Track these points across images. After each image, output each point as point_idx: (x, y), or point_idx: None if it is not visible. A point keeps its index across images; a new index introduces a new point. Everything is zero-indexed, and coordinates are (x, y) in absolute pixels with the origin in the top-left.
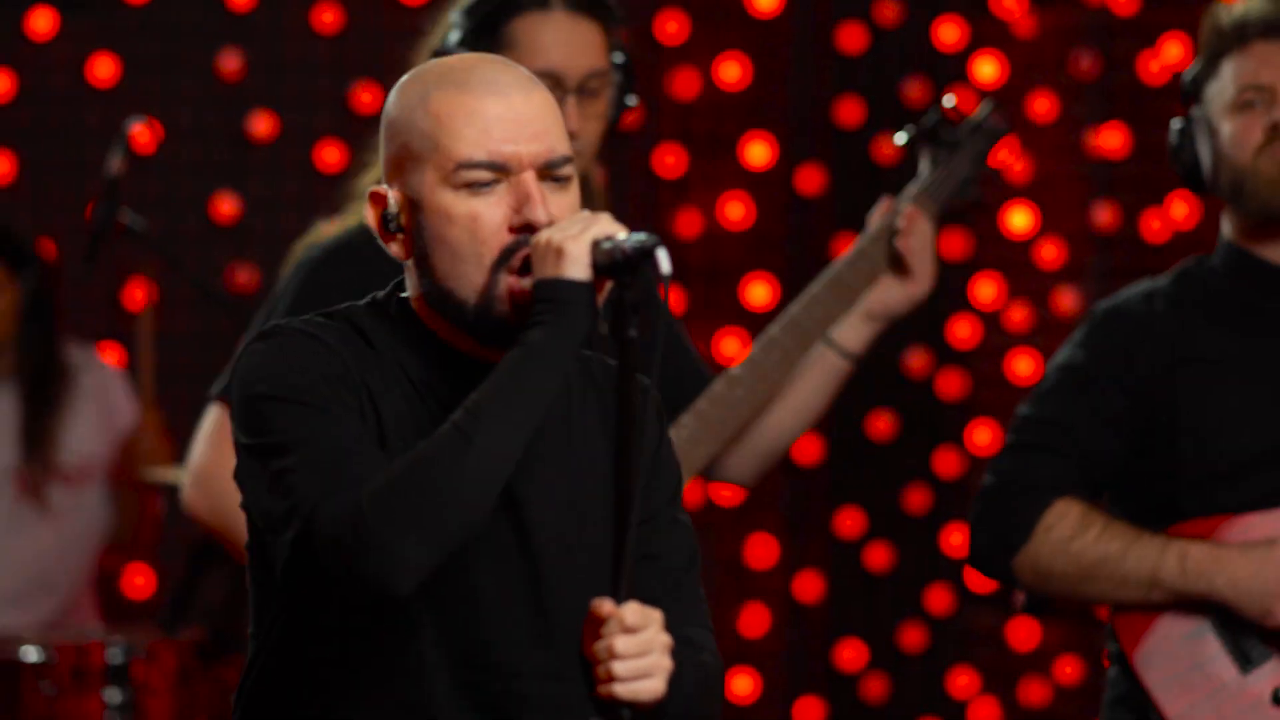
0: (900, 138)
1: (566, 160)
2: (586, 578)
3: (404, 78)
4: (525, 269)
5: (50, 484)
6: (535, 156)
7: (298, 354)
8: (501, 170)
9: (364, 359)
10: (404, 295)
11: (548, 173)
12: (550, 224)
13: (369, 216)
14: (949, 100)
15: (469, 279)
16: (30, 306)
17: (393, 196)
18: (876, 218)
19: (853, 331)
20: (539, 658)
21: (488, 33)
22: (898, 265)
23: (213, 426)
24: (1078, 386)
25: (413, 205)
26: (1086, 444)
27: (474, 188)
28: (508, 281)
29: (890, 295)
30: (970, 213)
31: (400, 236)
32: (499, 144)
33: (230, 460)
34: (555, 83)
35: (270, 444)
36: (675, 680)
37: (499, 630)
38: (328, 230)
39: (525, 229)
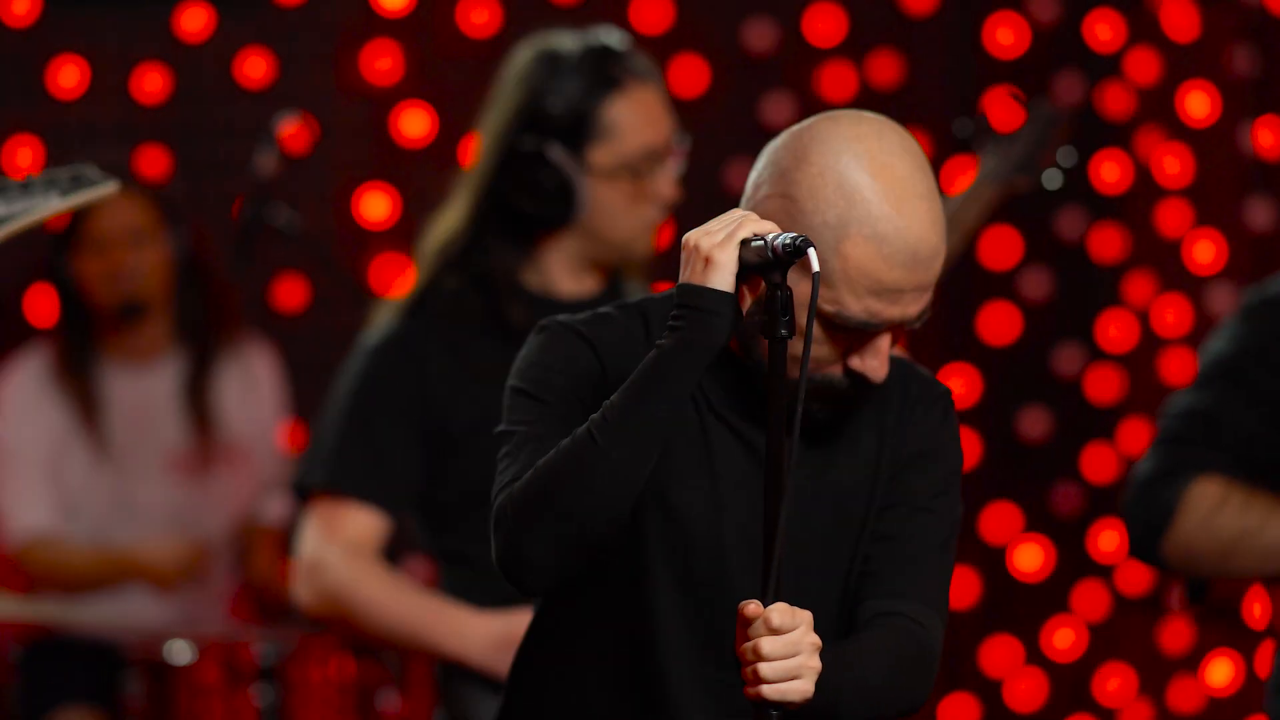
0: (961, 129)
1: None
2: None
3: (828, 145)
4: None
5: (210, 461)
6: (907, 318)
7: (554, 350)
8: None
9: (636, 356)
10: None
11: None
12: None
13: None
14: (1008, 98)
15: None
16: (185, 270)
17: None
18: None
19: None
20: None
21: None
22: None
23: (312, 519)
24: (1228, 376)
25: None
26: (1237, 431)
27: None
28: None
29: None
30: (1031, 192)
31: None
32: (883, 308)
33: (331, 548)
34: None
35: (504, 431)
36: (866, 658)
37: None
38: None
39: (857, 373)
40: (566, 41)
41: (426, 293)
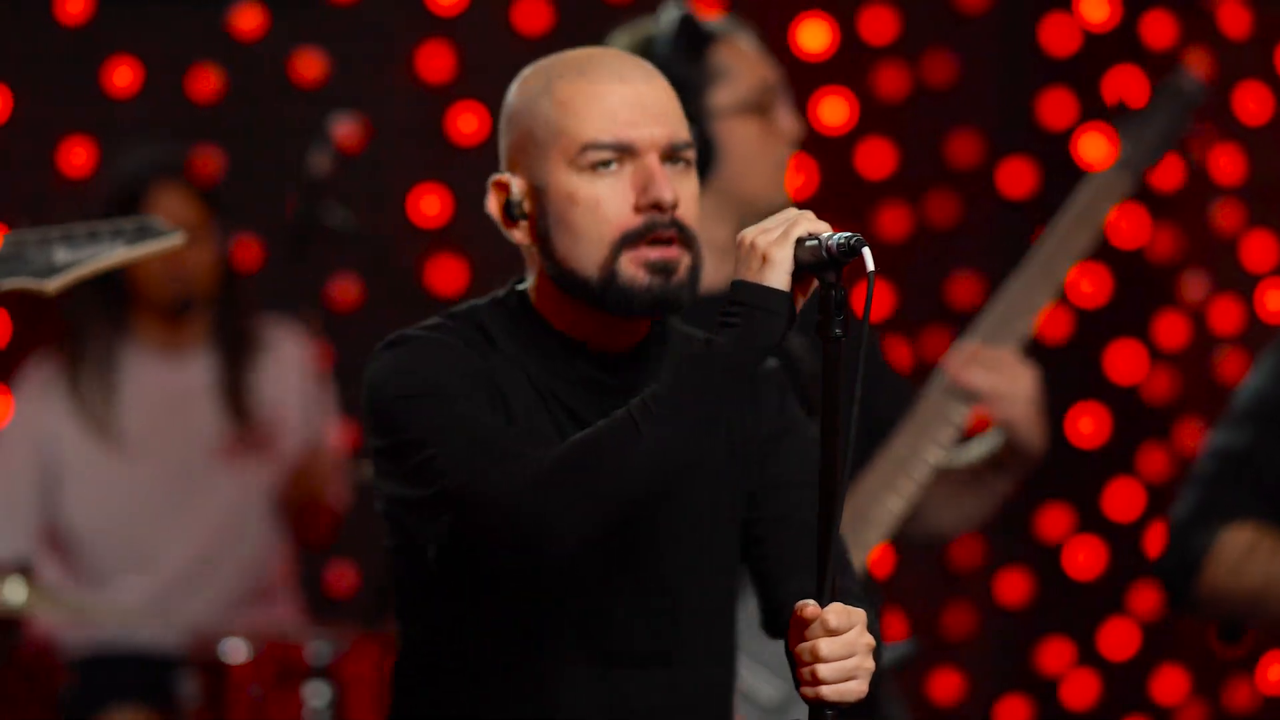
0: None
1: (688, 144)
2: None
3: (525, 70)
4: (636, 241)
5: (247, 450)
6: (658, 139)
7: (426, 354)
8: (625, 152)
9: (488, 358)
10: (521, 289)
11: (671, 154)
12: (676, 203)
13: (491, 205)
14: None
15: (590, 258)
16: (228, 269)
17: (515, 184)
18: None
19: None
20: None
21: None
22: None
23: None
24: (1264, 416)
25: (536, 191)
26: (1272, 473)
27: (598, 169)
28: (630, 257)
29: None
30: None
31: (523, 223)
32: (624, 127)
33: None
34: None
35: (407, 440)
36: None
37: (627, 638)
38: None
39: (653, 208)
40: (647, 25)
41: None
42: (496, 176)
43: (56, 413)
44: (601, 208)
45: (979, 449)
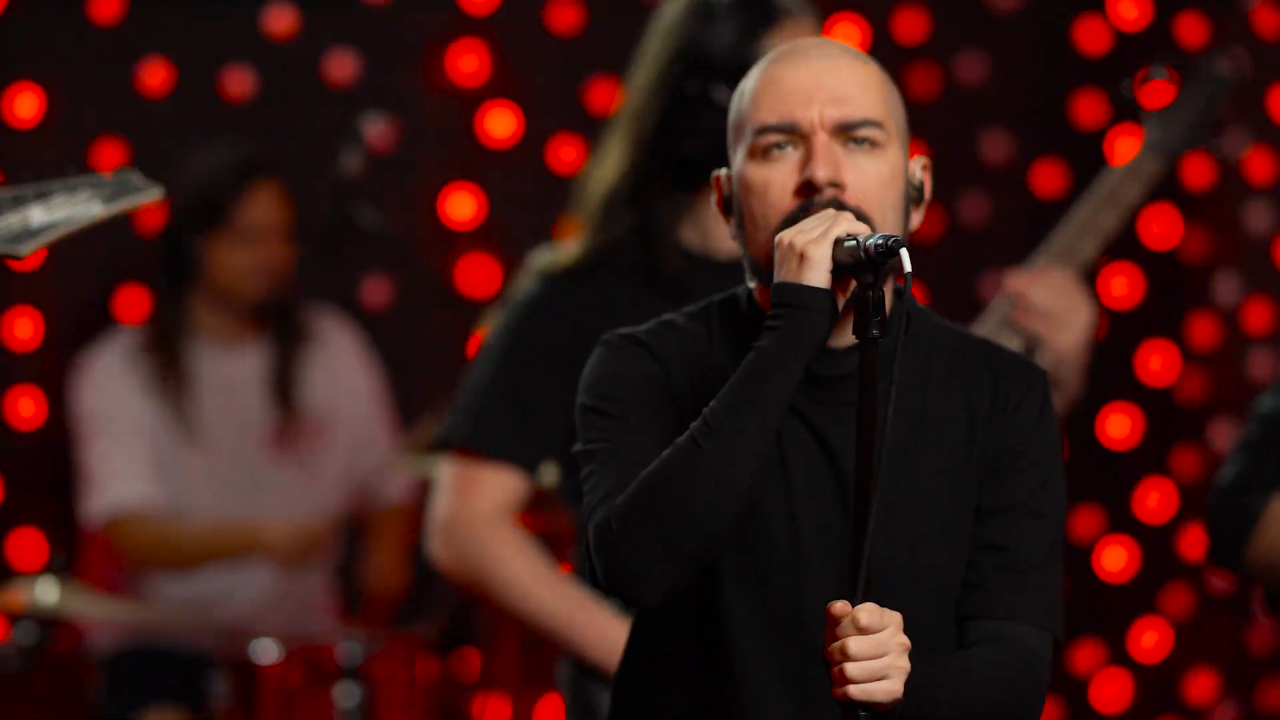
0: (1123, 91)
1: (868, 123)
2: (913, 590)
3: None
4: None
5: (299, 440)
6: (828, 117)
7: (616, 363)
8: (793, 132)
9: (701, 359)
10: (752, 285)
11: (846, 134)
12: (838, 183)
13: (714, 200)
14: (1159, 73)
15: (761, 245)
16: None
17: (724, 179)
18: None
19: None
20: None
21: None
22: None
23: (450, 476)
24: None
25: (736, 183)
26: None
27: (770, 152)
28: None
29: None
30: (1210, 155)
31: (733, 217)
32: (791, 106)
33: (470, 509)
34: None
35: (582, 451)
36: (972, 677)
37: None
38: (564, 244)
39: (805, 189)
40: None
41: (586, 246)
42: (716, 172)
43: (139, 394)
44: (768, 192)
45: None
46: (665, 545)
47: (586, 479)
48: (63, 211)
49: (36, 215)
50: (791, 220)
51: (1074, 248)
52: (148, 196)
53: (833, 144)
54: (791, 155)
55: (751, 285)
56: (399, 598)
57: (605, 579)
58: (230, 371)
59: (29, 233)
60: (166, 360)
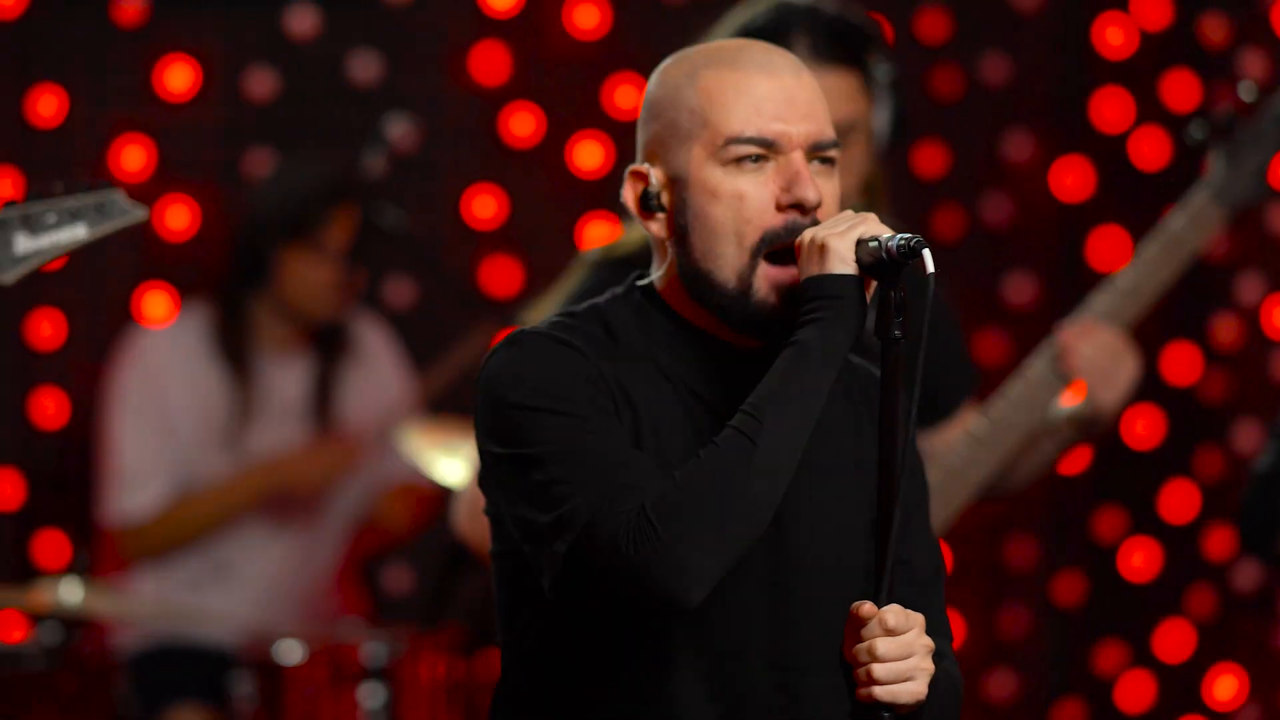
0: (1195, 132)
1: (834, 144)
2: (836, 587)
3: (668, 59)
4: (781, 258)
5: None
6: (805, 136)
7: (549, 361)
8: (770, 148)
9: (613, 357)
10: (643, 284)
11: (816, 154)
12: (820, 203)
13: (628, 195)
14: (1247, 92)
15: (728, 260)
16: None
17: (654, 175)
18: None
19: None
20: (778, 663)
21: None
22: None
23: None
24: None
25: (676, 183)
26: None
27: (741, 163)
28: (766, 269)
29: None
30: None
31: (660, 215)
32: (769, 121)
33: None
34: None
35: (528, 455)
36: (931, 687)
37: (742, 638)
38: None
39: (794, 207)
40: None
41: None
42: (634, 166)
43: (206, 361)
44: (744, 204)
45: (1063, 411)
46: (718, 539)
47: (547, 485)
48: (48, 239)
49: (21, 242)
50: (775, 238)
51: (1128, 304)
52: (133, 218)
53: (806, 163)
54: (766, 169)
55: (649, 281)
56: (393, 543)
57: (644, 580)
58: (276, 383)
59: (14, 259)
60: (234, 360)
